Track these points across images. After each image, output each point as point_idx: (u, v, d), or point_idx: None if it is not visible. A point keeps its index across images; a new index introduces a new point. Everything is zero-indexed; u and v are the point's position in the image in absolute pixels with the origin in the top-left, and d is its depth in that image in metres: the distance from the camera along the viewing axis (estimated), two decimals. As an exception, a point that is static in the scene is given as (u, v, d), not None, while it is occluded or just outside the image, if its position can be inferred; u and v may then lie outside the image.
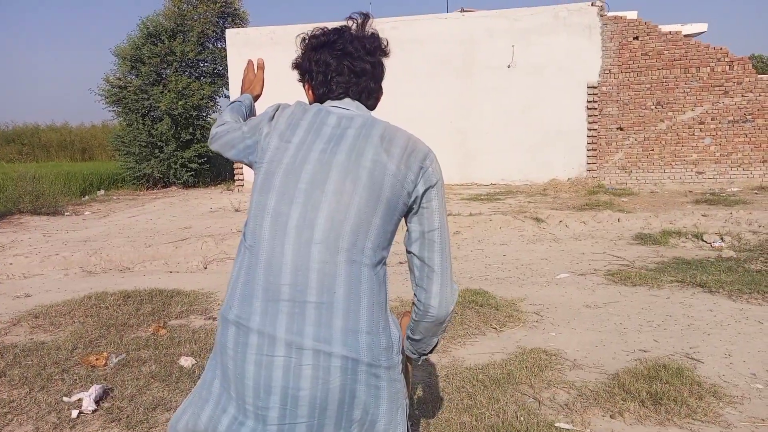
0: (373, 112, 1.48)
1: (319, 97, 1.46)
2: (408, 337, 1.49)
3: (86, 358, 3.74)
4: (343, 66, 1.42)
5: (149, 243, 8.14)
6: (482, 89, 13.50)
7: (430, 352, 1.56)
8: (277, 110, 1.44)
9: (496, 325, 4.23)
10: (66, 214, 12.01)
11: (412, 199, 1.34)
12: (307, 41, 1.47)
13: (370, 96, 1.47)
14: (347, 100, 1.44)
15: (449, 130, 13.80)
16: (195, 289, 5.55)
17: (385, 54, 1.48)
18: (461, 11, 14.89)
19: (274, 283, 1.24)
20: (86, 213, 12.21)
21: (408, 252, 1.39)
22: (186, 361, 3.67)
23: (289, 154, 1.33)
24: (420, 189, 1.34)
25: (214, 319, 4.63)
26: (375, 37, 1.46)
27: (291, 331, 1.22)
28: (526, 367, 3.44)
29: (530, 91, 13.28)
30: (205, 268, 6.81)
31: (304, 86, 1.52)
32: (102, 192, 16.42)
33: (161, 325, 4.41)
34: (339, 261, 1.24)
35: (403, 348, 1.54)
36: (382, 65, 1.48)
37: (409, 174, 1.32)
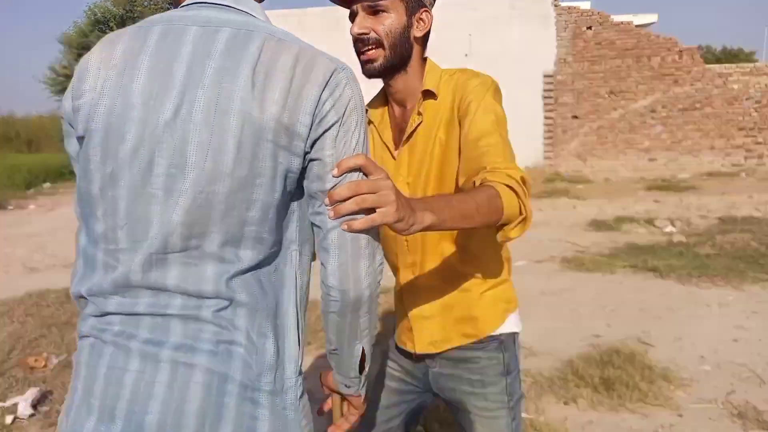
0: None
1: None
2: (327, 352, 1.10)
3: (25, 359, 3.55)
4: None
5: (98, 237, 7.84)
6: (440, 78, 13.46)
7: (360, 374, 1.10)
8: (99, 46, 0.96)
9: (452, 314, 4.20)
10: (9, 208, 11.49)
11: (307, 161, 0.93)
12: None
13: None
14: None
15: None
16: (144, 284, 5.35)
17: None
18: None
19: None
20: (31, 207, 11.70)
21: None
22: (132, 360, 3.52)
23: (130, 132, 0.89)
24: (314, 134, 0.91)
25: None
26: None
27: (150, 342, 0.93)
28: (482, 356, 3.42)
29: (487, 80, 13.32)
30: (157, 262, 6.58)
31: None
32: (48, 185, 15.79)
33: (107, 322, 4.23)
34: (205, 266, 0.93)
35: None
36: None
37: (297, 129, 0.88)
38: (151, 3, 16.73)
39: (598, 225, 7.49)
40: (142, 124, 0.89)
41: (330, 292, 0.96)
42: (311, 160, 0.92)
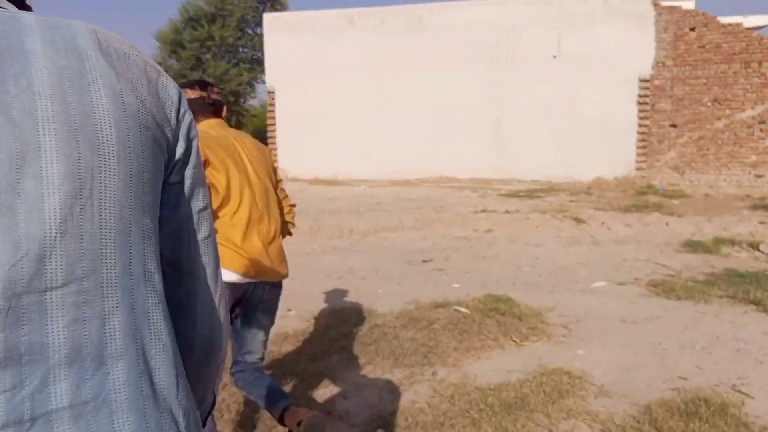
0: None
1: None
2: None
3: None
4: None
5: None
6: (523, 79, 12.94)
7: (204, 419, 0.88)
8: None
9: (516, 338, 3.83)
10: None
11: (172, 161, 0.72)
12: None
13: None
14: None
15: (486, 121, 13.34)
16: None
17: None
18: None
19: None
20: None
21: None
22: None
23: None
24: (182, 142, 0.73)
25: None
26: None
27: None
28: (545, 392, 3.03)
29: (575, 82, 12.64)
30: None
31: None
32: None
33: None
34: (108, 309, 0.62)
35: None
36: None
37: (164, 125, 0.70)
38: (241, 2, 17.20)
39: (693, 246, 6.80)
40: None
41: (195, 341, 0.79)
42: (177, 182, 0.73)
